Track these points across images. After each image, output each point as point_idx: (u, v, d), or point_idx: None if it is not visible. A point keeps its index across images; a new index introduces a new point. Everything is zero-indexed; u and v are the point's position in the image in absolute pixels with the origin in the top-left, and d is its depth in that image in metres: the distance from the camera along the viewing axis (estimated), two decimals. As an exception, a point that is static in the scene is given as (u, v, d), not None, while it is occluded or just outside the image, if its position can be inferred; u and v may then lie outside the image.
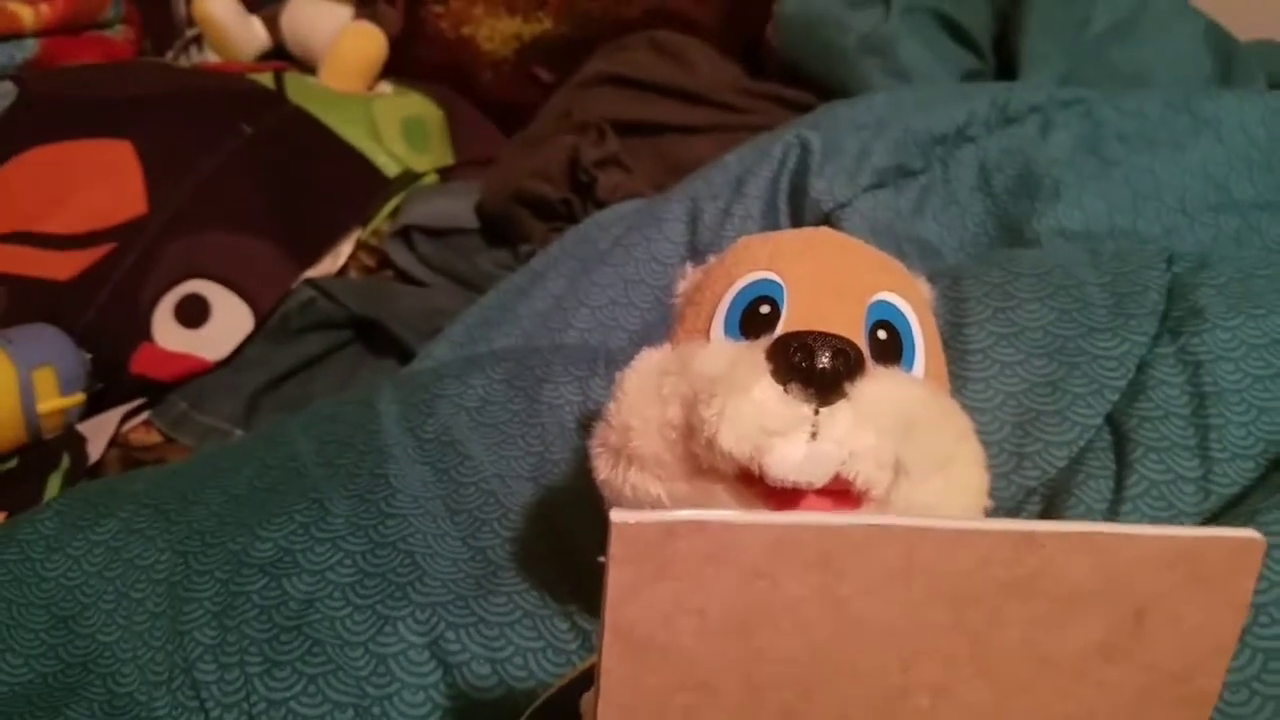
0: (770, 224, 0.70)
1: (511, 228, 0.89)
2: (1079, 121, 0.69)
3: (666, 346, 0.38)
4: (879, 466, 0.32)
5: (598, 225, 0.75)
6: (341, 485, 0.53)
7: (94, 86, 0.91)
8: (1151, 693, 0.24)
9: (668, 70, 0.94)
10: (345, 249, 0.91)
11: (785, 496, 0.32)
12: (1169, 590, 0.23)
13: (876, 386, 0.32)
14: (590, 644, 0.46)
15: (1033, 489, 0.46)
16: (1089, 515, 0.44)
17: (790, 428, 0.31)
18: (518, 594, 0.48)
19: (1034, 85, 0.77)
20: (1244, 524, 0.41)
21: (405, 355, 0.79)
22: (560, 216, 0.87)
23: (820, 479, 0.31)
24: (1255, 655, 0.38)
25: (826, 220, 0.69)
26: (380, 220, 0.93)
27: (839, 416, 0.31)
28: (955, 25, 0.93)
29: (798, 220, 0.69)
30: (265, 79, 0.96)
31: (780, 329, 0.35)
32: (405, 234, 0.90)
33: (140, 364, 0.80)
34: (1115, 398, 0.48)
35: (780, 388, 0.31)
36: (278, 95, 0.94)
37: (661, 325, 0.57)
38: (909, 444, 0.32)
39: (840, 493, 0.32)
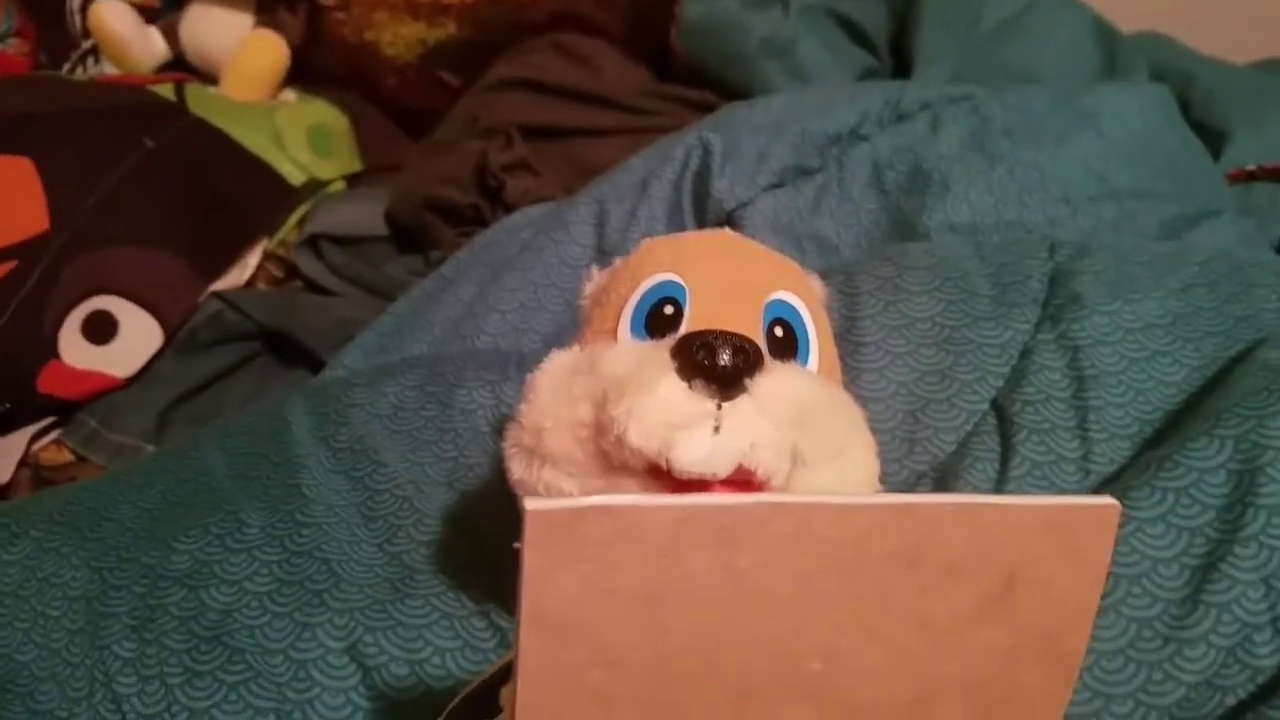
0: (675, 224, 0.71)
1: (421, 234, 0.90)
2: (967, 118, 0.72)
3: (575, 348, 0.39)
4: (778, 456, 0.33)
5: (506, 230, 0.76)
6: (255, 496, 0.53)
7: (-11, 103, 0.89)
8: (1024, 652, 0.26)
9: (574, 74, 0.95)
10: (252, 260, 0.90)
11: (692, 488, 0.34)
12: (1037, 556, 0.25)
13: (774, 381, 0.34)
14: (507, 641, 0.47)
15: (923, 473, 0.48)
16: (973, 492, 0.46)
17: (695, 422, 0.33)
18: (434, 596, 0.48)
19: (925, 83, 0.79)
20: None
21: (316, 365, 0.79)
22: (469, 221, 0.88)
23: (724, 470, 0.33)
24: (1129, 624, 0.40)
25: (729, 219, 0.71)
26: (287, 230, 0.92)
27: (741, 410, 0.33)
28: (852, 25, 0.96)
29: (701, 220, 0.71)
30: (166, 91, 0.95)
31: (684, 328, 0.37)
32: (313, 243, 0.90)
33: (48, 383, 0.78)
34: (1000, 383, 0.50)
35: (685, 384, 0.33)
36: (179, 107, 0.93)
37: (572, 327, 0.59)
38: (805, 435, 0.34)
39: (743, 483, 0.34)
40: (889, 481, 0.47)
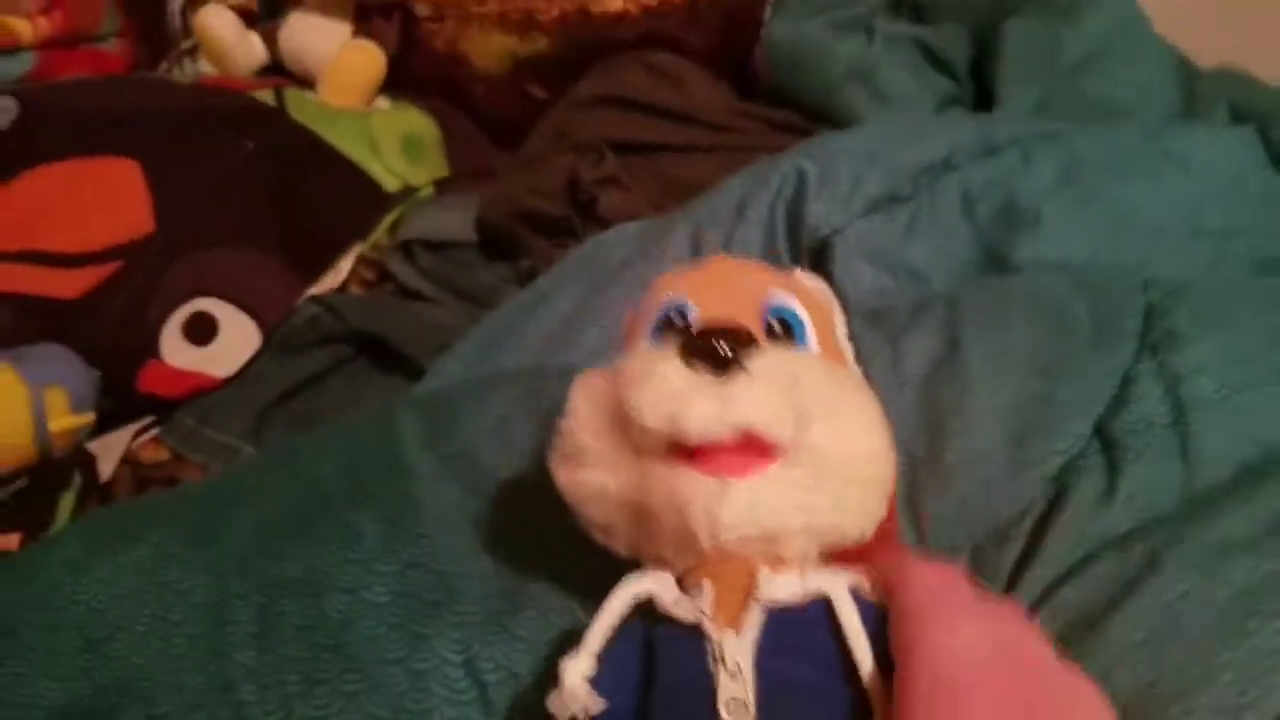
0: (769, 248, 0.73)
1: (511, 243, 0.92)
2: (1058, 154, 0.72)
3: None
4: (780, 419, 0.36)
5: (602, 246, 0.77)
6: (369, 507, 0.54)
7: (97, 103, 0.91)
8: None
9: (661, 91, 0.96)
10: (346, 264, 0.92)
11: (707, 458, 0.37)
12: None
13: (770, 356, 0.38)
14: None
15: (1033, 497, 0.49)
16: (1085, 512, 0.48)
17: (698, 393, 0.36)
18: (547, 608, 0.49)
19: (1014, 117, 0.80)
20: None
21: (410, 371, 0.81)
22: (561, 233, 0.90)
23: (731, 432, 0.36)
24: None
25: (823, 245, 0.72)
26: (379, 234, 0.95)
27: (740, 381, 0.37)
28: (934, 52, 0.97)
29: (796, 245, 0.72)
30: (266, 95, 0.97)
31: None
32: (406, 247, 0.92)
33: (148, 382, 0.81)
34: (1101, 409, 0.51)
35: (686, 367, 0.37)
36: (279, 111, 0.95)
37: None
38: (803, 397, 0.37)
39: (754, 447, 0.37)
40: (999, 503, 0.49)
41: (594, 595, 0.48)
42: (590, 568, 0.48)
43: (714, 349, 0.37)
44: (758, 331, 0.41)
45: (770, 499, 0.37)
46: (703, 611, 0.37)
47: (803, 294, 0.45)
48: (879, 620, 0.35)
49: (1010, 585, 0.47)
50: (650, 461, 0.38)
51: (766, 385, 0.37)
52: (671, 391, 0.37)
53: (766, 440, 0.36)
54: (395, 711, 0.46)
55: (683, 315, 0.43)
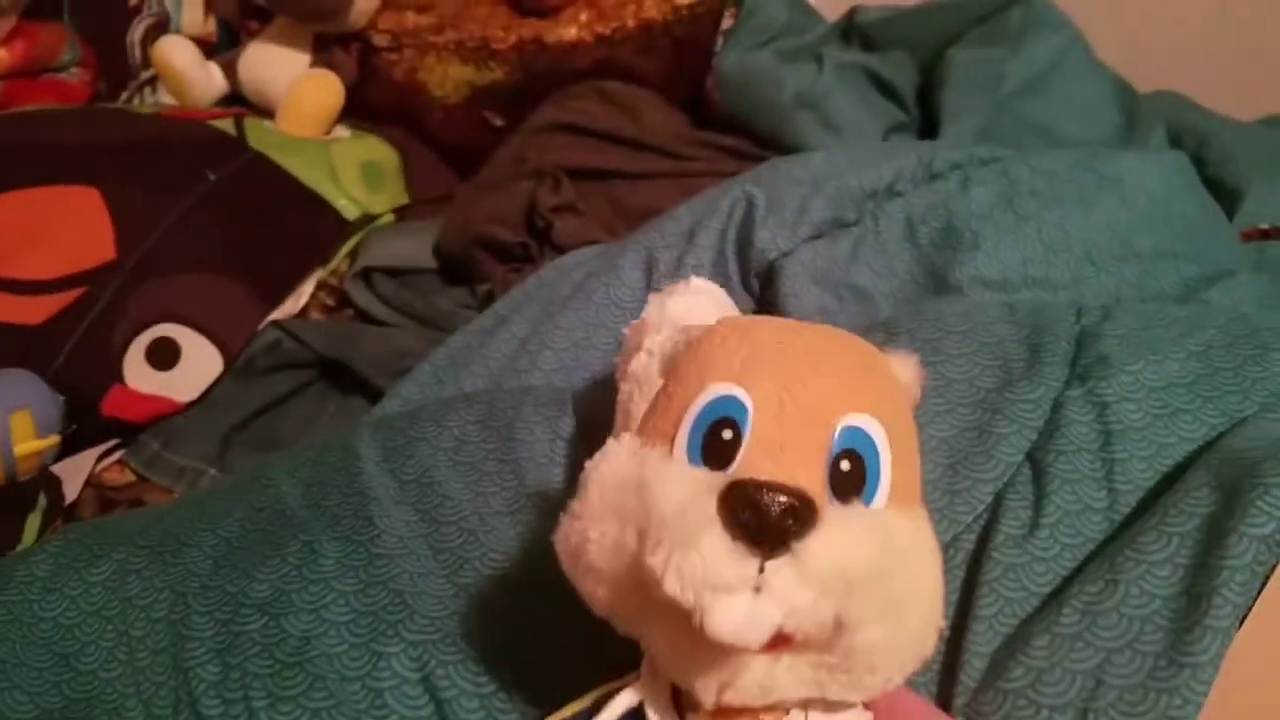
0: (720, 271, 0.75)
1: (469, 269, 0.94)
2: (996, 179, 0.75)
3: (632, 440, 0.39)
4: (817, 623, 0.33)
5: (558, 271, 0.79)
6: (329, 527, 0.56)
7: (59, 133, 0.93)
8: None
9: (616, 119, 0.99)
10: (307, 289, 0.93)
11: (723, 649, 0.34)
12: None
13: (824, 541, 0.33)
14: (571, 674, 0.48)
15: (965, 524, 0.51)
16: (1009, 543, 0.49)
17: (734, 585, 0.32)
18: (503, 627, 0.51)
19: (955, 144, 0.83)
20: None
21: (371, 394, 0.83)
22: (518, 258, 0.92)
23: (757, 642, 0.33)
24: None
25: (770, 269, 0.74)
26: (339, 260, 0.96)
27: (783, 575, 0.32)
28: (882, 81, 1.00)
29: (745, 268, 0.75)
30: (226, 125, 0.99)
31: (739, 459, 0.36)
32: (365, 274, 0.94)
33: (112, 406, 0.82)
34: (1034, 436, 0.53)
35: (729, 540, 0.32)
36: (239, 141, 0.97)
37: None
38: (851, 599, 0.33)
39: (780, 642, 0.34)
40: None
41: (549, 612, 0.50)
42: (544, 587, 0.49)
43: (766, 523, 0.32)
44: (819, 474, 0.36)
45: (786, 680, 0.35)
46: None
47: (888, 407, 0.39)
48: None
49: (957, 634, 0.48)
50: (656, 612, 0.35)
51: (814, 584, 0.32)
52: (705, 571, 0.32)
53: (797, 641, 0.34)
54: (357, 729, 0.48)
55: (735, 430, 0.36)
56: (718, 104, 1.00)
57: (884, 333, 0.60)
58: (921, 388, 0.46)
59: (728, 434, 0.36)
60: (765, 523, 0.32)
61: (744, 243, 0.75)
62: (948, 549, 0.50)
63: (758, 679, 0.35)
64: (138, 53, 1.18)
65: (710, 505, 0.33)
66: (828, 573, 0.32)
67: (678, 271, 0.74)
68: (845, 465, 0.36)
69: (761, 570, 0.32)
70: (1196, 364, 0.55)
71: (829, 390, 0.38)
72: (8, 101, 1.04)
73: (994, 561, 0.48)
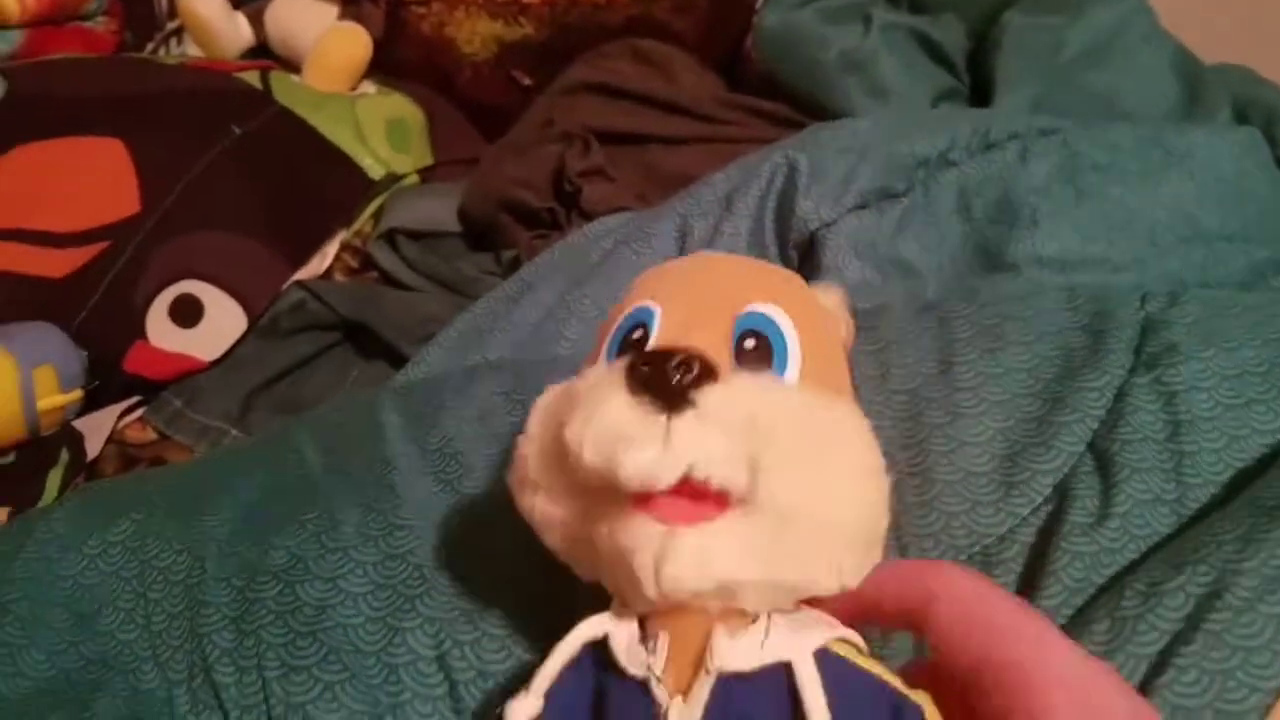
0: (757, 242, 0.72)
1: (494, 234, 0.91)
2: (1056, 151, 0.71)
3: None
4: (729, 465, 0.33)
5: (588, 238, 0.77)
6: (350, 495, 0.54)
7: (84, 83, 0.91)
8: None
9: (650, 80, 0.96)
10: (330, 250, 0.92)
11: (656, 501, 0.34)
12: None
13: (726, 391, 0.34)
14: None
15: (1023, 516, 0.48)
16: (1077, 530, 0.46)
17: (641, 434, 0.33)
18: (520, 607, 0.49)
19: (1013, 113, 0.79)
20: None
21: (394, 358, 0.81)
22: (544, 224, 0.89)
23: (667, 480, 0.33)
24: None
25: (812, 239, 0.71)
26: (363, 221, 0.94)
27: (688, 422, 0.33)
28: (932, 44, 0.96)
29: (784, 239, 0.72)
30: (251, 78, 0.96)
31: (648, 346, 0.38)
32: (389, 236, 0.92)
33: (134, 362, 0.81)
34: (1096, 425, 0.50)
35: (633, 400, 0.34)
36: (265, 95, 0.95)
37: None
38: (761, 442, 0.33)
39: (697, 494, 0.34)
40: (986, 525, 0.48)
41: (568, 598, 0.48)
42: (565, 565, 0.49)
43: (663, 379, 0.34)
44: (725, 352, 0.38)
45: (722, 550, 0.34)
46: (652, 670, 0.34)
47: (797, 303, 0.40)
48: (855, 679, 0.33)
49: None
50: (597, 501, 0.36)
51: (714, 426, 0.33)
52: (613, 429, 0.34)
53: (715, 489, 0.33)
54: (371, 705, 0.47)
55: (644, 328, 0.39)
56: (756, 65, 0.96)
57: (937, 315, 0.57)
58: (854, 328, 0.47)
59: (638, 333, 0.39)
60: (664, 376, 0.34)
61: (784, 211, 0.72)
62: (1002, 541, 0.48)
63: (690, 547, 0.34)
64: (164, 2, 1.16)
65: (616, 377, 0.35)
66: (732, 414, 0.34)
67: (714, 240, 0.72)
68: (750, 343, 0.38)
69: (669, 422, 0.33)
70: (1272, 352, 0.51)
71: (729, 286, 0.40)
72: (34, 50, 1.03)
73: (1061, 551, 0.46)
